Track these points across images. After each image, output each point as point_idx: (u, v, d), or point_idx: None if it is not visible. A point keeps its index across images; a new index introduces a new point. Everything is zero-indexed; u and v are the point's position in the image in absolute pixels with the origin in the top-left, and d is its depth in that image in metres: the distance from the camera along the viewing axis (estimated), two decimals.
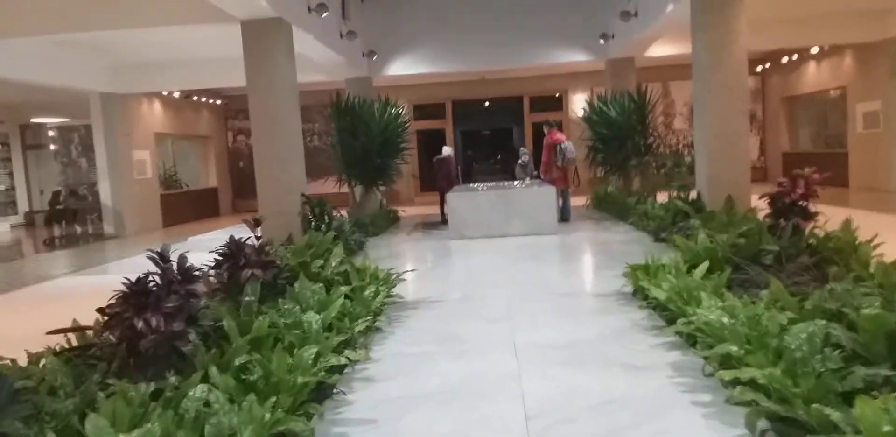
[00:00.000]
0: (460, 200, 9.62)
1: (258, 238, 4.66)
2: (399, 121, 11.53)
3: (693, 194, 8.42)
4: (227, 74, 12.77)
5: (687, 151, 16.21)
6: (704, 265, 4.80)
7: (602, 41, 12.52)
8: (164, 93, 15.26)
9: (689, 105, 17.93)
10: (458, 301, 5.57)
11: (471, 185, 11.78)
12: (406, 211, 13.50)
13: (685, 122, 17.58)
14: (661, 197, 10.15)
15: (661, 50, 12.84)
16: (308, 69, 12.40)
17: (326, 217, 8.06)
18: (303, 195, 7.95)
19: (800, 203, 5.57)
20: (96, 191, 14.04)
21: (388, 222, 11.97)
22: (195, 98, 16.48)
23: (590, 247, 8.21)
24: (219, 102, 17.62)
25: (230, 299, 4.42)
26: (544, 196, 9.53)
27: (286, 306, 4.23)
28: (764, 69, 17.01)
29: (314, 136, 18.15)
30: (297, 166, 7.93)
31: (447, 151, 13.10)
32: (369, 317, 4.56)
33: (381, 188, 12.08)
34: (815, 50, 14.77)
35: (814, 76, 15.53)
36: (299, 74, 13.02)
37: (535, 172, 12.50)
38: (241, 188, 18.65)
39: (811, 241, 5.42)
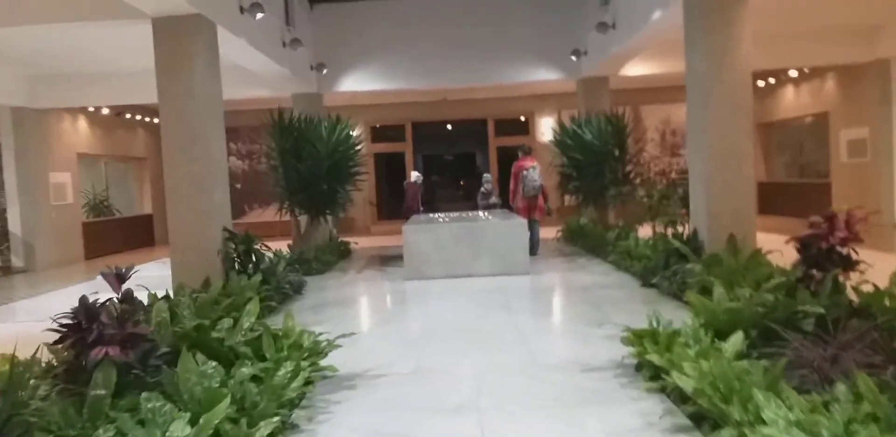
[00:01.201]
0: (419, 233, 8.35)
1: (122, 300, 3.30)
2: (350, 142, 10.24)
3: (683, 230, 7.31)
4: None
5: (660, 179, 15.31)
6: (738, 338, 3.58)
7: (574, 58, 11.51)
8: (91, 109, 13.73)
9: (661, 131, 17.13)
10: (411, 376, 4.25)
11: (431, 215, 10.53)
12: (358, 243, 12.17)
13: (657, 148, 16.73)
14: (643, 231, 9.07)
15: (637, 69, 11.90)
16: (250, 83, 11.12)
17: (254, 256, 6.68)
18: (225, 230, 6.58)
19: (838, 249, 4.46)
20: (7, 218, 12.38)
21: (337, 256, 10.62)
22: (128, 116, 14.96)
23: (569, 293, 7.00)
24: (156, 120, 16.09)
25: (79, 388, 3.05)
26: (515, 230, 8.32)
27: (151, 405, 2.87)
28: None
29: (262, 158, 16.76)
30: (219, 194, 6.58)
31: (415, 175, 12.22)
32: (278, 415, 3.21)
33: (330, 218, 10.72)
34: (793, 73, 14.05)
35: (792, 101, 14.80)
36: (241, 88, 11.74)
37: (497, 201, 11.61)
38: None
39: (855, 299, 4.30)
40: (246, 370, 3.33)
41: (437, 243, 8.25)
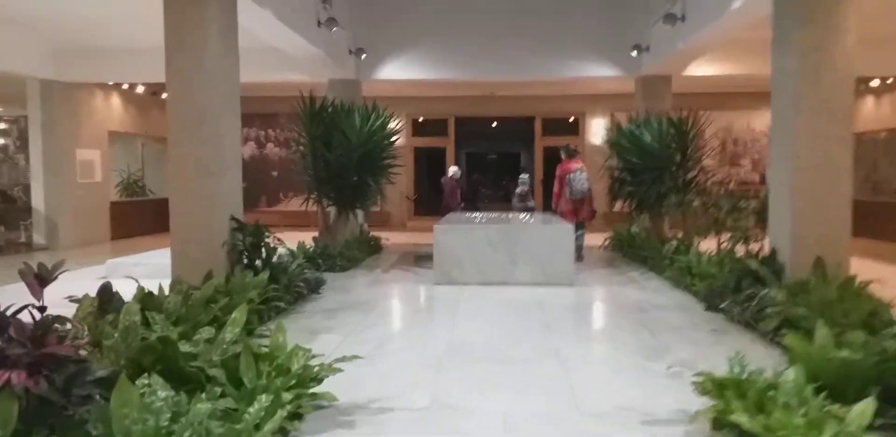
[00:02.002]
0: (451, 234, 7.52)
1: (41, 309, 2.55)
2: (385, 132, 9.47)
3: (759, 249, 6.32)
4: None
5: (718, 190, 14.18)
6: (868, 407, 2.66)
7: (634, 53, 10.51)
8: (125, 87, 13.27)
9: (722, 139, 15.94)
10: (424, 414, 3.42)
11: (467, 215, 9.70)
12: (389, 239, 11.40)
13: (716, 157, 15.58)
14: (705, 245, 8.09)
15: (703, 69, 10.88)
16: (284, 66, 10.49)
17: (263, 250, 5.94)
18: (233, 219, 5.85)
19: None
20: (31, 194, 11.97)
21: (365, 252, 9.87)
22: (164, 96, 14.43)
23: (620, 313, 6.06)
24: None
25: None
26: (559, 236, 7.43)
27: None
28: None
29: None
30: (229, 180, 5.85)
31: (453, 170, 11.54)
32: None
33: (360, 211, 9.97)
34: (875, 83, 12.80)
35: (871, 113, 13.51)
36: (274, 71, 11.13)
37: (533, 205, 11.28)
38: None
39: None
40: (202, 407, 2.55)
41: (471, 246, 7.42)
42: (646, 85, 11.08)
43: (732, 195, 7.98)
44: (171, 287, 5.19)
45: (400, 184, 15.63)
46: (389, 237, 11.69)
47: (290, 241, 9.11)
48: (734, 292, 5.66)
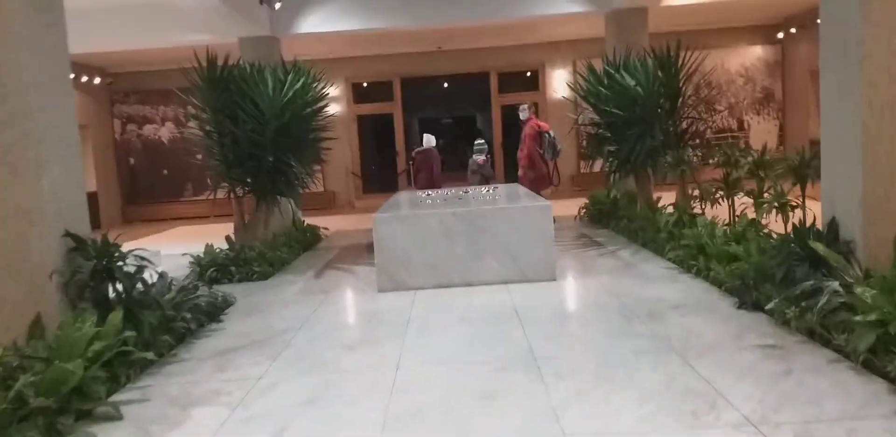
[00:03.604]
0: (394, 224, 5.81)
1: None
2: (308, 98, 7.61)
3: (804, 220, 4.75)
4: (102, 35, 8.80)
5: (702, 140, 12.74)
6: None
7: None
8: None
9: (695, 83, 14.35)
10: None
11: (414, 195, 7.99)
12: (330, 228, 9.65)
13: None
14: (710, 212, 6.58)
15: None
16: (183, 24, 8.57)
17: (117, 277, 4.15)
18: (69, 236, 4.04)
19: None
20: None
21: (297, 249, 8.12)
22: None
23: (627, 323, 4.38)
24: (97, 80, 13.44)
25: None
26: (536, 216, 5.76)
27: None
28: (786, 35, 13.31)
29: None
30: (54, 181, 4.02)
31: (429, 140, 9.38)
32: None
33: (288, 198, 8.17)
34: None
35: None
36: (172, 31, 9.14)
37: (493, 174, 9.89)
38: (134, 192, 14.64)
39: None
40: None
41: (421, 238, 5.72)
42: (618, 20, 9.38)
43: (735, 147, 6.43)
44: None
45: (344, 158, 13.85)
46: (333, 223, 9.98)
47: (205, 238, 7.35)
48: (783, 285, 4.09)
